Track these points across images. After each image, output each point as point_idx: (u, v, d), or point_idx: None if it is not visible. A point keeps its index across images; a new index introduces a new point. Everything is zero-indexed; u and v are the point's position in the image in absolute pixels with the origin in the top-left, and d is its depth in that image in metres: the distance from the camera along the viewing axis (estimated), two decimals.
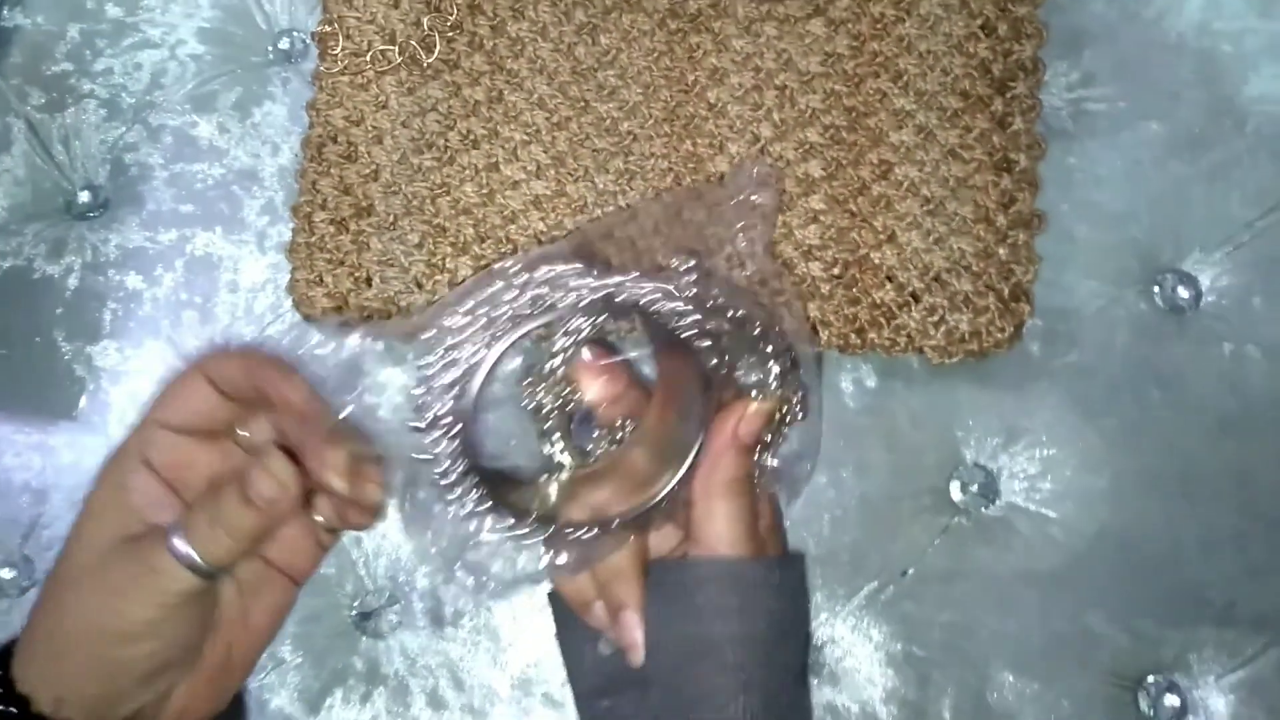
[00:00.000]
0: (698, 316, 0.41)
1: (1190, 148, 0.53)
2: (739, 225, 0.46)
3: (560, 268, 0.41)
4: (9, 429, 0.55)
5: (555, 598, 0.46)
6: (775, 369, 0.42)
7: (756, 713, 0.39)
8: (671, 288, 0.41)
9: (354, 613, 0.52)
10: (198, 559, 0.38)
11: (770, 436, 0.44)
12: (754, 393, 0.42)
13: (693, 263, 0.43)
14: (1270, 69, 0.54)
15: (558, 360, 0.43)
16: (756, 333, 0.42)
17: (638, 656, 0.41)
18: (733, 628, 0.40)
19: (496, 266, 0.41)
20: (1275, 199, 0.52)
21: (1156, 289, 0.52)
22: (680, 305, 0.41)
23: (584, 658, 0.44)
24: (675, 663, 0.41)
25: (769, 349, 0.42)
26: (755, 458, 0.43)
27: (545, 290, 0.41)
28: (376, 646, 0.51)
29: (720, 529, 0.41)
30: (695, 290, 0.42)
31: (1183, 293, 0.52)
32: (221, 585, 0.41)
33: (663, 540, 0.44)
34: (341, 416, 0.42)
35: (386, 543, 0.52)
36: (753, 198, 0.47)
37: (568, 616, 0.45)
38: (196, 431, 0.42)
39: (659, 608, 0.41)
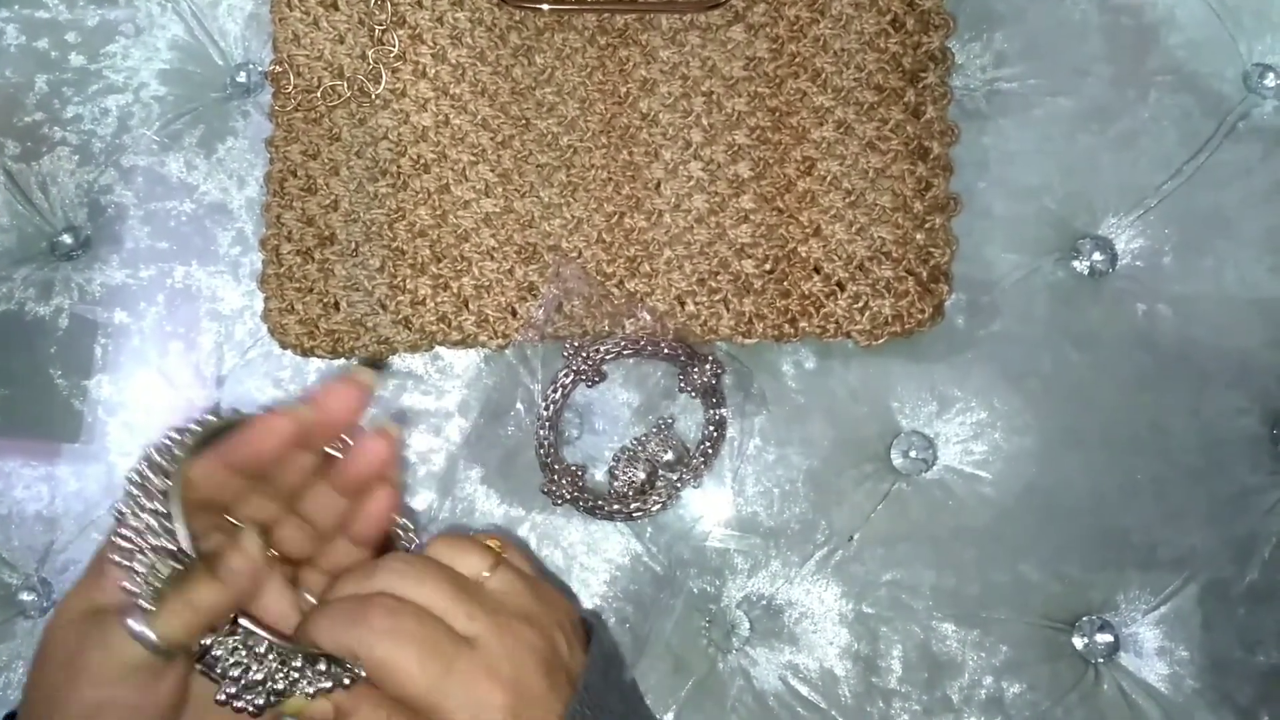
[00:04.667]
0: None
1: (1098, 119, 0.56)
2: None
3: None
4: (17, 463, 0.59)
5: None
6: None
7: None
8: None
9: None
10: (149, 634, 0.35)
11: None
12: None
13: None
14: (1169, 39, 0.57)
15: None
16: None
17: None
18: None
19: None
20: (1180, 162, 0.56)
21: (1075, 255, 0.56)
22: None
23: None
24: None
25: None
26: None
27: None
28: None
29: None
30: None
31: (1099, 257, 0.55)
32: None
33: None
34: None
35: None
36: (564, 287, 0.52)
37: None
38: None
39: None
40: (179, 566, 0.36)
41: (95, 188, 0.61)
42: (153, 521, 0.37)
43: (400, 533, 0.44)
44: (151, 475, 0.38)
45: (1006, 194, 0.56)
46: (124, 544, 0.36)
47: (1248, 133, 0.56)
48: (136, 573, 0.36)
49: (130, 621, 0.35)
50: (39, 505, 0.58)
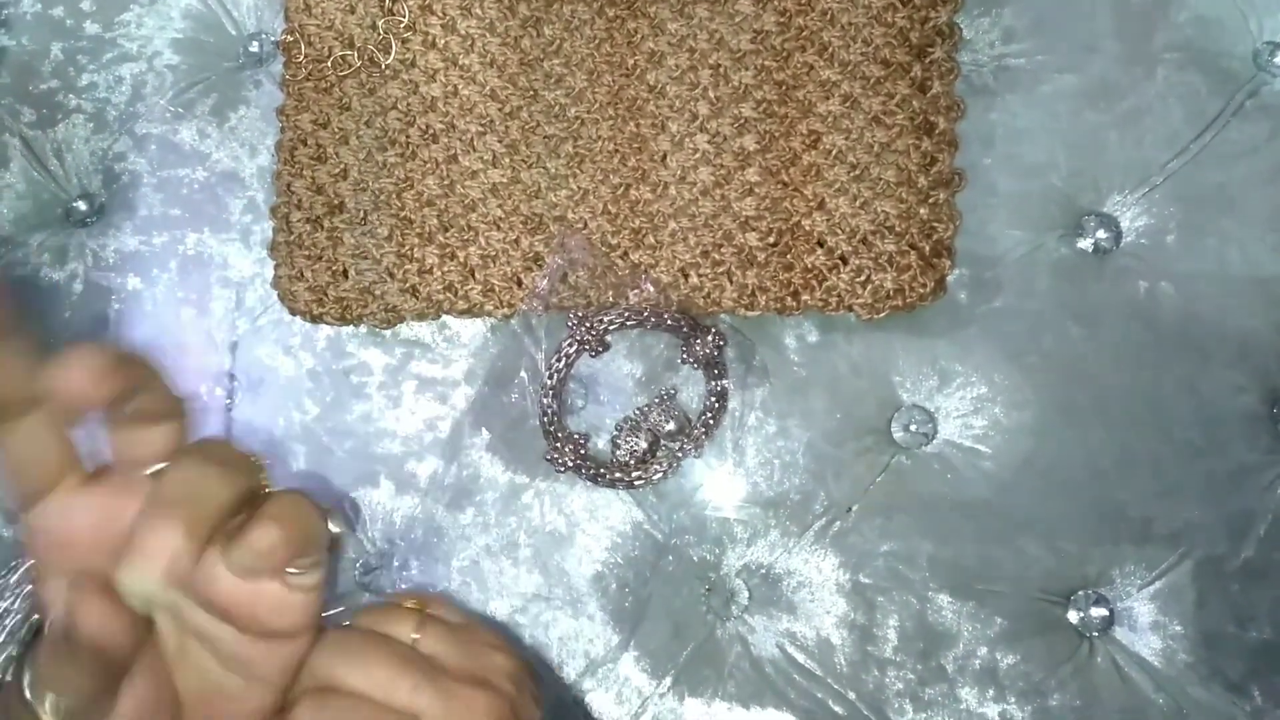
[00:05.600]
0: None
1: (1105, 97, 0.56)
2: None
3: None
4: None
5: None
6: None
7: None
8: None
9: (359, 573, 0.57)
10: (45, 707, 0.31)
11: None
12: None
13: None
14: (1179, 16, 0.57)
15: None
16: None
17: None
18: None
19: None
20: (1186, 140, 0.56)
21: (1080, 232, 0.56)
22: None
23: None
24: None
25: None
26: None
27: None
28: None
29: None
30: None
31: (1104, 234, 0.56)
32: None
33: None
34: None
35: (380, 508, 0.57)
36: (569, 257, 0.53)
37: None
38: None
39: None
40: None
41: (109, 155, 0.62)
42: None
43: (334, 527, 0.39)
44: None
45: (1012, 170, 0.56)
46: None
47: (1256, 111, 0.56)
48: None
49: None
50: None
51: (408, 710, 0.37)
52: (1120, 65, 0.57)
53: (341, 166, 0.56)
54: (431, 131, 0.56)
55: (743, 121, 0.55)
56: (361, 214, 0.56)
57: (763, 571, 0.55)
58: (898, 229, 0.53)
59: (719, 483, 0.55)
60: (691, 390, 0.56)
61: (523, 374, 0.55)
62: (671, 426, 0.54)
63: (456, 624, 0.43)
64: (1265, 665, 0.52)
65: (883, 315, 0.53)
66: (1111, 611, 0.53)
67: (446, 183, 0.56)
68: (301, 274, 0.55)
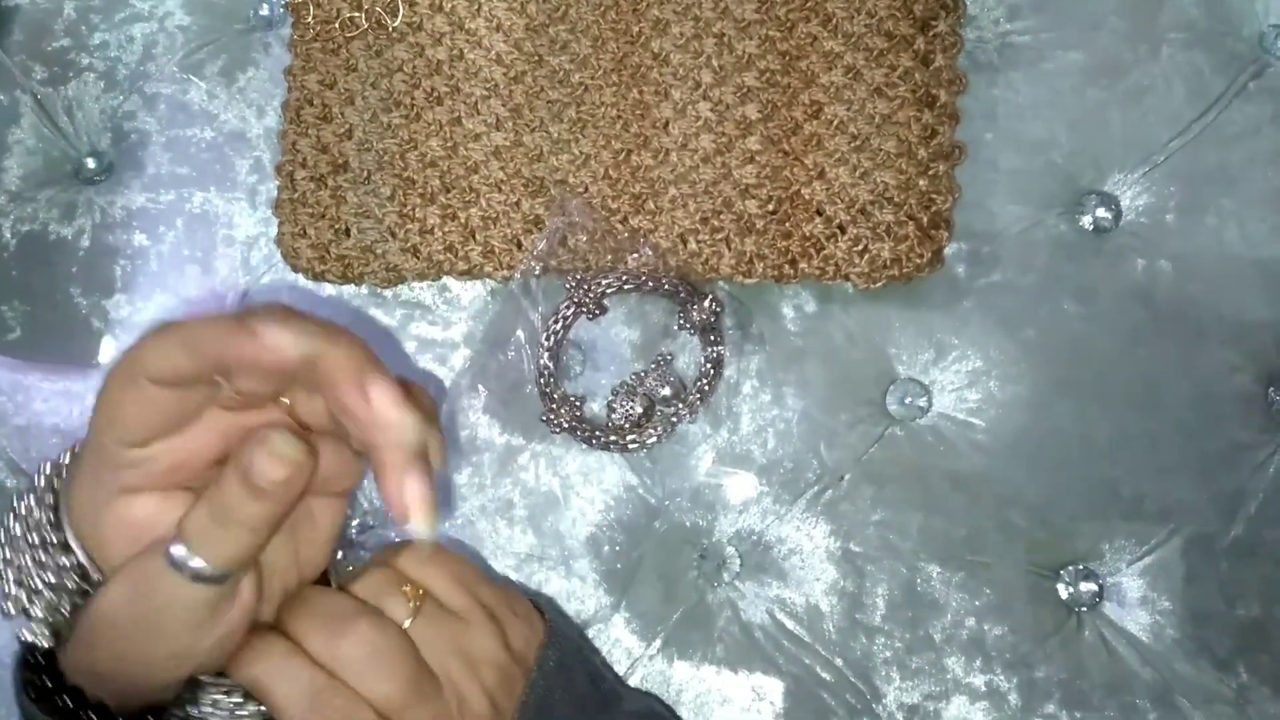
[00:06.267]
0: None
1: (1108, 75, 0.57)
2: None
3: None
4: (37, 377, 0.61)
5: None
6: None
7: None
8: None
9: (354, 531, 0.58)
10: (208, 567, 0.32)
11: None
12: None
13: None
14: None
15: None
16: None
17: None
18: None
19: None
20: (1188, 120, 0.56)
21: (1080, 210, 0.56)
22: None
23: None
24: None
25: None
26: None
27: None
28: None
29: None
30: None
31: (1104, 213, 0.56)
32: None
33: None
34: None
35: None
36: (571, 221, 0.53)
37: None
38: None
39: None
40: (81, 596, 0.35)
41: (119, 113, 0.62)
42: (47, 558, 0.35)
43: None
44: (37, 508, 0.35)
45: (1014, 146, 0.56)
46: (13, 585, 0.35)
47: (1259, 93, 0.56)
48: (33, 616, 0.35)
49: (175, 553, 0.32)
50: (56, 419, 0.60)
51: None
52: (1124, 43, 0.57)
53: (346, 126, 0.57)
54: (436, 94, 0.56)
55: (745, 90, 0.55)
56: (365, 173, 0.56)
57: (754, 538, 0.55)
58: (896, 200, 0.53)
59: (713, 449, 0.56)
60: (688, 356, 0.56)
61: (519, 334, 0.56)
62: (667, 391, 0.54)
63: (451, 613, 0.43)
64: (1252, 643, 0.52)
65: (879, 285, 0.53)
66: (1101, 586, 0.54)
67: (450, 145, 0.56)
68: (304, 231, 0.56)
